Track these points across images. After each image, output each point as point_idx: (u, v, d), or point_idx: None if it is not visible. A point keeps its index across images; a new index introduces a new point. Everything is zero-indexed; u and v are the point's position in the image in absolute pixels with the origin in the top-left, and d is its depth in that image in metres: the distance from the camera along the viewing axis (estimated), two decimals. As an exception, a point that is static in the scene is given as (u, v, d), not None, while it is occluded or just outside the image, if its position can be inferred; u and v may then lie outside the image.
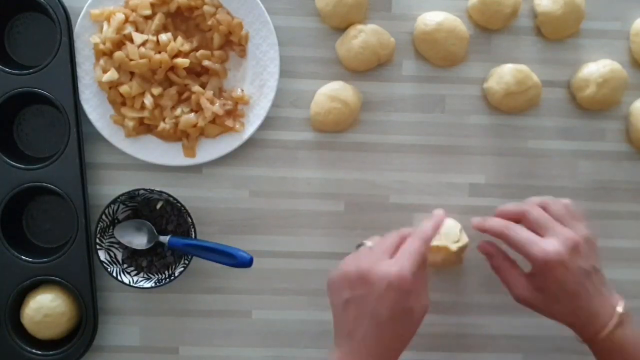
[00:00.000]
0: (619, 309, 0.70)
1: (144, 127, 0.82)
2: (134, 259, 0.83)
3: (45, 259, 0.80)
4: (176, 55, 0.80)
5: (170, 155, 0.82)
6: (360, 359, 0.66)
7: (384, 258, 0.68)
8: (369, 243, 0.73)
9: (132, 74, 0.80)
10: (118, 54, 0.79)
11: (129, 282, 0.80)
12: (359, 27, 0.83)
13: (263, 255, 0.84)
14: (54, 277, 0.80)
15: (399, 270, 0.66)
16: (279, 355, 0.86)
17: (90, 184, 0.82)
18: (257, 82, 0.83)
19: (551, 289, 0.71)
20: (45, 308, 0.79)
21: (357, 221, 0.85)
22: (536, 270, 0.72)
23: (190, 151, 0.82)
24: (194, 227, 0.80)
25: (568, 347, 0.87)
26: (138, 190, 0.80)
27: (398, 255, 0.68)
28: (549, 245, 0.70)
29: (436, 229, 0.73)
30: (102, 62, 0.80)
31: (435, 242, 0.80)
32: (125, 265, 0.82)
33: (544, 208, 0.74)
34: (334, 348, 0.68)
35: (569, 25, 0.84)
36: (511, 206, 0.75)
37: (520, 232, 0.71)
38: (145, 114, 0.81)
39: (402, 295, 0.66)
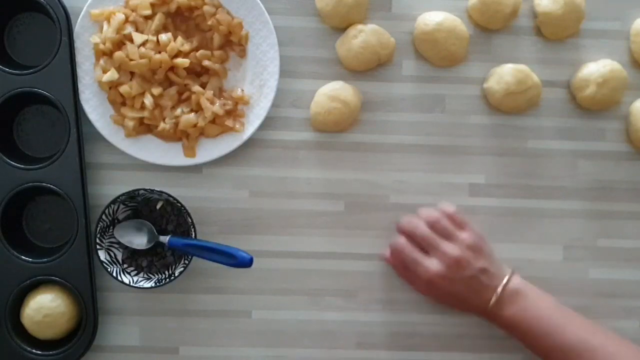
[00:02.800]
0: (499, 289, 0.78)
1: (144, 127, 0.82)
2: (134, 259, 0.83)
3: (45, 259, 0.80)
4: (176, 55, 0.80)
5: (170, 155, 0.82)
6: None
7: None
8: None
9: (132, 74, 0.80)
10: (118, 54, 0.79)
11: (129, 282, 0.80)
12: (359, 27, 0.83)
13: (263, 255, 0.84)
14: (54, 277, 0.80)
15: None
16: (279, 355, 0.86)
17: (90, 184, 0.82)
18: (257, 82, 0.83)
19: (439, 299, 0.82)
20: (45, 308, 0.79)
21: (357, 221, 0.85)
22: (423, 287, 0.81)
23: (190, 151, 0.82)
24: (194, 227, 0.80)
25: (568, 347, 0.87)
26: (138, 190, 0.80)
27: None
28: (431, 265, 0.79)
29: None
30: (102, 62, 0.80)
31: None
32: (125, 265, 0.82)
33: (431, 224, 0.80)
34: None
35: (569, 25, 0.84)
36: (405, 223, 0.82)
37: (410, 254, 0.80)
38: (145, 114, 0.81)
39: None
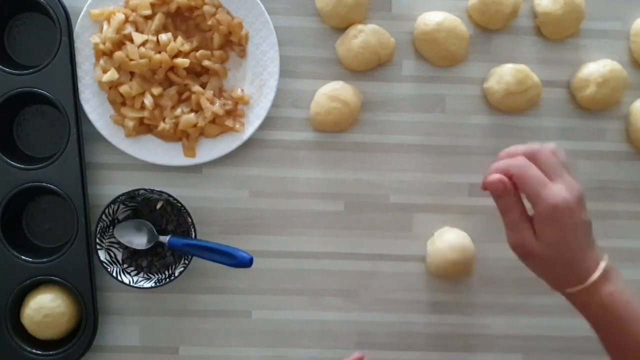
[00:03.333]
0: (603, 263, 0.68)
1: (144, 127, 0.82)
2: (134, 259, 0.83)
3: (45, 259, 0.80)
4: (176, 55, 0.80)
5: (170, 155, 0.82)
6: None
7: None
8: None
9: (132, 74, 0.80)
10: (118, 54, 0.79)
11: (129, 282, 0.80)
12: (359, 27, 0.83)
13: (263, 255, 0.84)
14: (54, 277, 0.80)
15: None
16: (279, 355, 0.86)
17: (90, 184, 0.82)
18: (257, 82, 0.83)
19: (551, 237, 0.68)
20: (45, 308, 0.79)
21: (357, 221, 0.85)
22: (541, 215, 0.68)
23: (190, 151, 0.82)
24: (194, 227, 0.80)
25: (568, 347, 0.87)
26: (138, 190, 0.80)
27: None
28: (560, 190, 0.67)
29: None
30: (102, 62, 0.80)
31: (450, 255, 0.82)
32: (125, 265, 0.82)
33: (552, 152, 0.70)
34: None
35: (569, 25, 0.84)
36: (521, 147, 0.71)
37: (535, 171, 0.68)
38: (145, 114, 0.81)
39: None
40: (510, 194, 0.70)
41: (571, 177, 0.69)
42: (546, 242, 0.68)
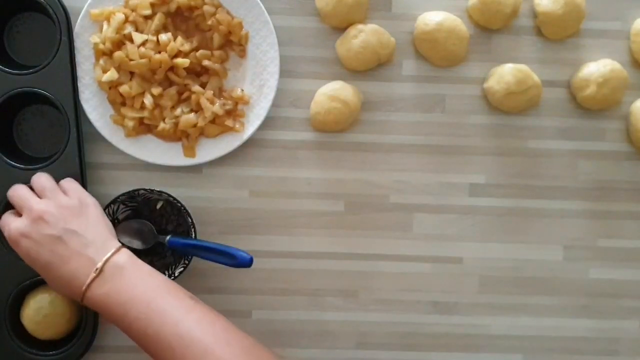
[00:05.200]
0: (99, 264, 0.69)
1: (144, 127, 0.82)
2: (134, 259, 0.83)
3: (45, 259, 0.80)
4: (176, 55, 0.80)
5: (170, 155, 0.82)
6: None
7: None
8: None
9: (132, 74, 0.80)
10: (118, 54, 0.79)
11: (129, 282, 0.80)
12: (359, 26, 0.83)
13: (263, 255, 0.84)
14: (54, 277, 0.80)
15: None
16: (278, 355, 0.86)
17: (90, 184, 0.82)
18: (257, 82, 0.83)
19: (26, 261, 0.72)
20: (45, 308, 0.79)
21: (357, 221, 0.85)
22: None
23: (190, 151, 0.82)
24: (194, 227, 0.80)
25: (568, 347, 0.87)
26: (138, 190, 0.80)
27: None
28: (14, 221, 0.71)
29: None
30: (102, 62, 0.80)
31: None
32: (125, 265, 0.82)
33: (32, 182, 0.75)
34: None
35: (569, 25, 0.84)
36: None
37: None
38: (145, 114, 0.81)
39: None
40: None
41: (49, 198, 0.73)
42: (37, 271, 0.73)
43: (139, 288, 0.69)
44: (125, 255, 0.71)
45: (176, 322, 0.66)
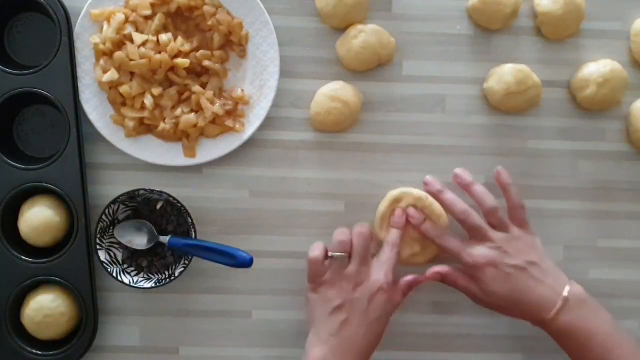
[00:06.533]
0: (565, 293, 0.75)
1: (144, 127, 0.82)
2: (134, 259, 0.83)
3: (45, 259, 0.80)
4: (176, 55, 0.80)
5: (170, 155, 0.82)
6: (343, 355, 0.76)
7: (366, 267, 0.79)
8: (337, 254, 0.79)
9: (132, 74, 0.80)
10: (118, 54, 0.79)
11: (129, 282, 0.80)
12: (359, 27, 0.83)
13: (263, 255, 0.84)
14: (54, 277, 0.80)
15: (385, 276, 0.78)
16: (279, 355, 0.86)
17: (90, 184, 0.82)
18: (257, 82, 0.83)
19: (488, 288, 0.77)
20: (45, 308, 0.79)
21: (357, 221, 0.85)
22: (469, 271, 0.79)
23: (190, 151, 0.82)
24: (194, 227, 0.80)
25: (568, 347, 0.87)
26: (138, 190, 0.80)
27: (380, 264, 0.79)
28: (477, 250, 0.77)
29: (400, 236, 0.82)
30: (102, 62, 0.80)
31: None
32: (125, 265, 0.82)
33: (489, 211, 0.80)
34: (310, 348, 0.77)
35: (569, 25, 0.84)
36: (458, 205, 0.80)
37: (451, 241, 0.80)
38: (145, 114, 0.81)
39: (388, 298, 0.78)
40: (452, 273, 0.81)
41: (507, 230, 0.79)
42: (488, 294, 0.78)
43: (600, 319, 0.76)
44: (581, 287, 0.77)
45: (634, 352, 0.74)
